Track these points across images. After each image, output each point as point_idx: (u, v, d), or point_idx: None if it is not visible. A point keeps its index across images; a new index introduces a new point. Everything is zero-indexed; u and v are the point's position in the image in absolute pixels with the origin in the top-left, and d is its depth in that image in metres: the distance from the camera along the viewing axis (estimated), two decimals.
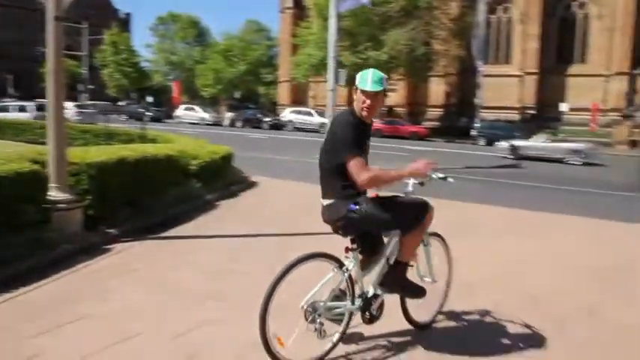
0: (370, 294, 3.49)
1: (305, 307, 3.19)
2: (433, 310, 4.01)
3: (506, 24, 44.83)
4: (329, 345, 3.36)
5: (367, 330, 3.69)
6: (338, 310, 3.34)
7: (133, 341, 3.54)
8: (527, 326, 4.05)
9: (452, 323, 4.10)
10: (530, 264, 5.84)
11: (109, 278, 4.75)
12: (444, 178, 3.62)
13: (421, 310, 3.88)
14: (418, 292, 3.56)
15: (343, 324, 3.42)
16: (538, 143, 24.48)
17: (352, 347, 3.57)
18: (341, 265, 3.35)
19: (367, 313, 3.48)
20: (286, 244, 6.13)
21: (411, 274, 3.59)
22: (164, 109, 51.97)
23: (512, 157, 23.25)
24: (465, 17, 39.34)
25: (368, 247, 3.49)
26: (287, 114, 42.88)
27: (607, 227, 8.21)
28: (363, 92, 3.25)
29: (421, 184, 3.60)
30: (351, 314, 3.45)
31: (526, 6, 42.87)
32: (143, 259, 5.40)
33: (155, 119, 41.06)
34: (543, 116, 41.48)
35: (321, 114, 36.05)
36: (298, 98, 52.82)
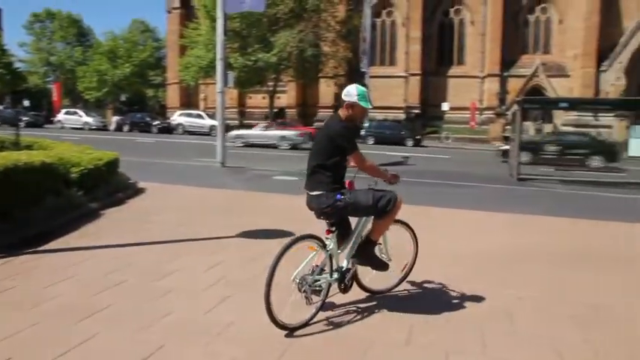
0: (345, 267, 4.28)
1: (297, 280, 3.87)
2: (391, 283, 4.85)
3: (391, 27, 46.69)
4: (313, 311, 4.06)
5: (338, 300, 4.44)
6: (319, 282, 4.06)
7: None
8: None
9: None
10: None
11: None
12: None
13: (380, 280, 4.72)
14: (382, 265, 4.46)
15: (323, 293, 4.14)
16: (257, 132, 28.64)
17: (329, 313, 4.26)
18: (324, 244, 4.07)
19: (342, 284, 4.27)
20: (172, 252, 5.99)
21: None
22: (43, 114, 48.73)
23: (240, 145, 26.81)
24: (351, 20, 40.47)
25: (343, 230, 4.28)
26: (177, 117, 41.78)
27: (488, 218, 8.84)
28: (365, 108, 4.16)
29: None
30: (329, 285, 4.20)
31: (408, 10, 44.94)
32: (17, 276, 5.02)
33: (33, 124, 38.42)
34: (427, 115, 43.81)
35: (213, 116, 35.49)
36: (188, 101, 51.65)
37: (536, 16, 44.39)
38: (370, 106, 4.16)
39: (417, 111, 44.07)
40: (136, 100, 61.65)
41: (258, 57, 35.89)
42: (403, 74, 45.21)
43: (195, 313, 4.18)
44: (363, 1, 40.10)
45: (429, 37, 45.44)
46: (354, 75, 43.44)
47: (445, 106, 41.43)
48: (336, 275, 4.18)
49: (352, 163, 4.26)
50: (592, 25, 40.57)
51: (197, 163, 17.39)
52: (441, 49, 46.24)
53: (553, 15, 43.98)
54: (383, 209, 4.15)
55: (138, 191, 10.09)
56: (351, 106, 4.12)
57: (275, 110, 43.10)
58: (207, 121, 38.16)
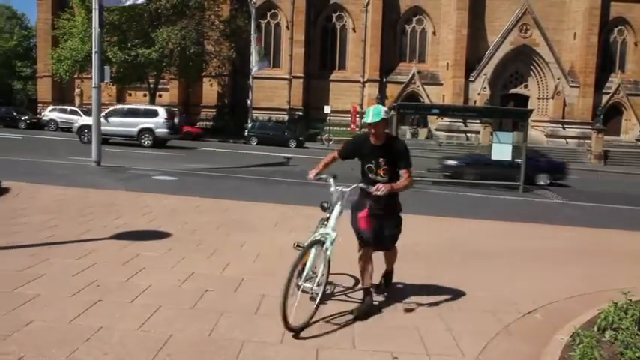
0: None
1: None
2: None
3: (275, 29, 47.08)
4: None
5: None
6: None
7: None
8: None
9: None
10: None
11: None
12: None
13: None
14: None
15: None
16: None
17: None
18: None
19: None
20: (39, 255, 5.69)
21: None
22: None
23: None
24: (235, 20, 40.31)
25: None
26: (49, 113, 39.01)
27: None
28: (367, 124, 4.45)
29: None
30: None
31: (292, 14, 45.63)
32: None
33: None
34: (309, 117, 44.76)
35: (89, 113, 33.60)
36: (62, 95, 48.50)
37: (413, 26, 47.01)
38: (369, 121, 4.41)
39: (300, 113, 44.86)
40: (2, 92, 56.85)
41: (139, 52, 34.64)
42: (287, 76, 45.81)
43: (60, 321, 4.02)
44: (247, 1, 40.17)
45: (312, 41, 46.45)
46: (238, 75, 43.37)
47: (327, 109, 42.59)
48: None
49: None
50: (461, 38, 43.75)
51: (70, 162, 16.47)
52: (323, 53, 47.44)
53: (428, 26, 46.78)
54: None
55: (1, 191, 9.42)
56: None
57: None
58: (84, 119, 35.96)
